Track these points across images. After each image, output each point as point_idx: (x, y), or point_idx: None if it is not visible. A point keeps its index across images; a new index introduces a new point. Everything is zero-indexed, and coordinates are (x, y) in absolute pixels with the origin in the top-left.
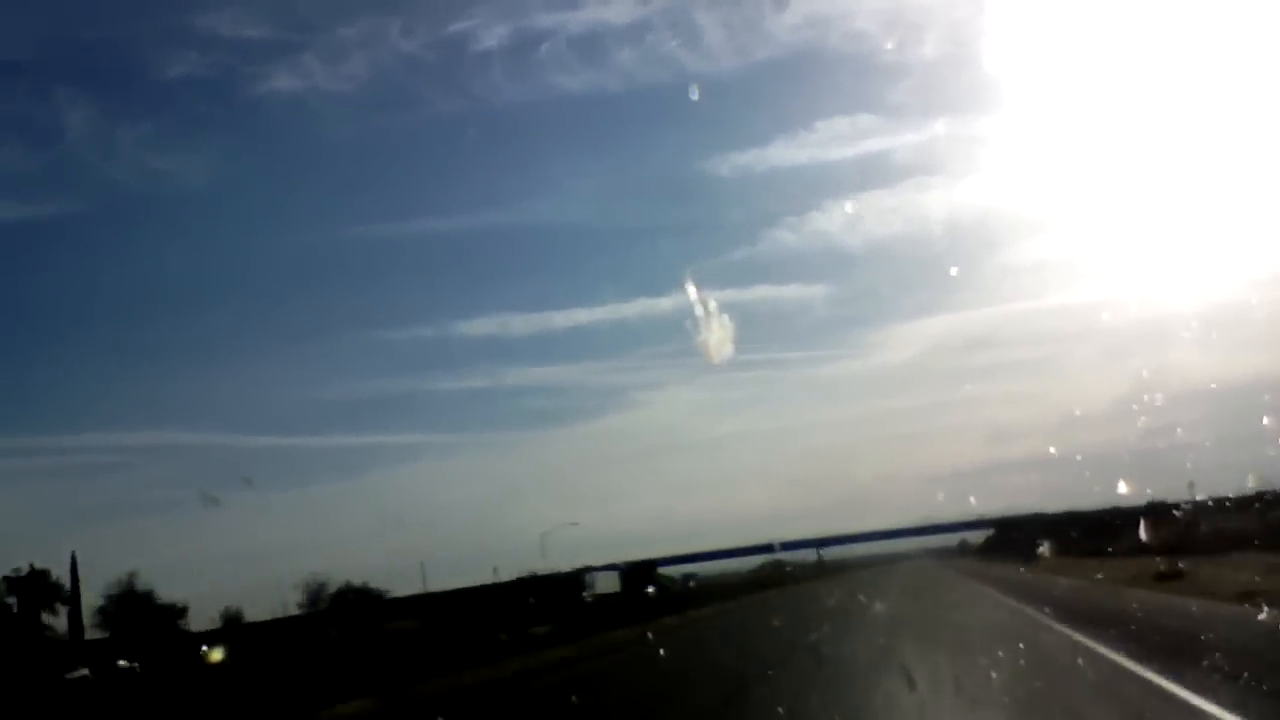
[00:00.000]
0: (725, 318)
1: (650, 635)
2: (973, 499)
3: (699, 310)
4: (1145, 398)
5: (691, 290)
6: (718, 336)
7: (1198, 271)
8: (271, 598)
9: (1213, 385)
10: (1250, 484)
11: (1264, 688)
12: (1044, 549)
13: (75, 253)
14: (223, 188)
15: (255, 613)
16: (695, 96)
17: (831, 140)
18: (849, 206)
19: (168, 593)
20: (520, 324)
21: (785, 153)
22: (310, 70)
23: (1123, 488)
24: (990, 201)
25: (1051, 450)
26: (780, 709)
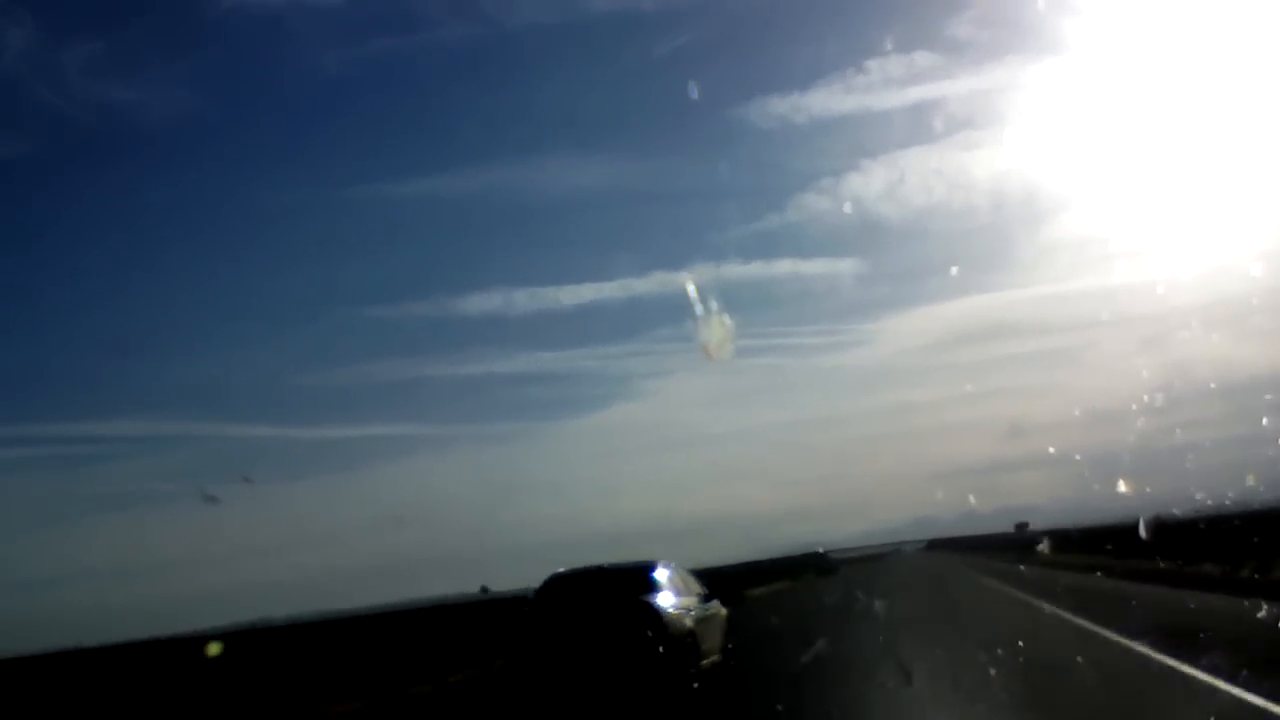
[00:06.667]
0: (726, 317)
1: None
2: (972, 497)
3: (699, 309)
4: (1146, 396)
5: (691, 288)
6: (718, 337)
7: (1248, 255)
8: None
9: (1213, 383)
10: (1250, 483)
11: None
12: (1043, 546)
13: (17, 203)
14: (186, 130)
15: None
16: (695, 95)
17: (883, 84)
18: (890, 167)
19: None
20: (524, 299)
21: (829, 100)
22: None
23: (1122, 486)
24: (1039, 162)
25: (1051, 449)
26: None
